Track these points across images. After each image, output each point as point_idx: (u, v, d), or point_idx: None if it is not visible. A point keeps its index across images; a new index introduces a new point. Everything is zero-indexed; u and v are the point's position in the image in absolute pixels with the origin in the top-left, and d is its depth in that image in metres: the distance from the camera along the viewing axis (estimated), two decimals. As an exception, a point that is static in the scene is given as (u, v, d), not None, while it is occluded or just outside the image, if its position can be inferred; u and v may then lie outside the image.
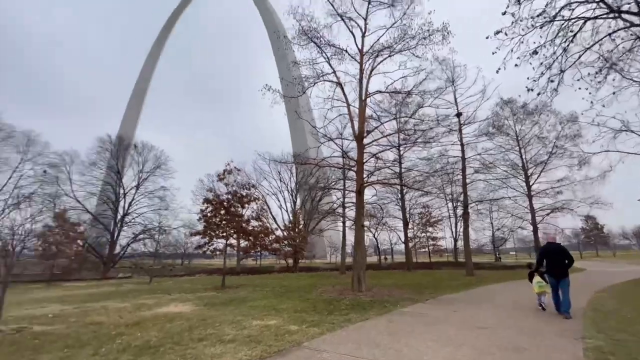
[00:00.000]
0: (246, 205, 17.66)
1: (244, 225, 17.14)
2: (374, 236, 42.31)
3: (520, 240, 48.17)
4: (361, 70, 14.00)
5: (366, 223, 38.26)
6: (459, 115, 22.37)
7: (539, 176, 29.23)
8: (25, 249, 35.32)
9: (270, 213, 39.65)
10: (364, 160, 13.22)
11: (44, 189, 31.37)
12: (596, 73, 11.99)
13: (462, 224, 21.30)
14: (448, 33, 14.02)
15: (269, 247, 33.02)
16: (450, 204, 36.32)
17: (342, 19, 14.62)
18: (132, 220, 37.78)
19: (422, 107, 12.79)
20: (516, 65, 11.01)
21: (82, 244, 34.98)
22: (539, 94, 11.99)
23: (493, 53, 11.32)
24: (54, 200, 31.40)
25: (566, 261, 7.40)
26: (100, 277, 32.18)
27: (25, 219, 25.30)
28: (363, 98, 13.71)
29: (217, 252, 17.24)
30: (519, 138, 29.82)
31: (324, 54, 14.62)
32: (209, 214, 16.73)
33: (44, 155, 30.35)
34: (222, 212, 17.00)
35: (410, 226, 37.39)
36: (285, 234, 34.63)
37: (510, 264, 32.81)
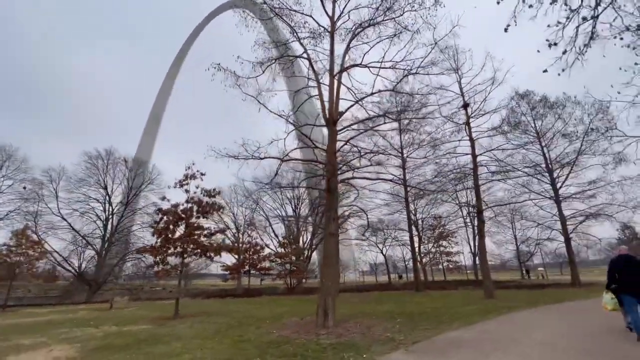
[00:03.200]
0: (209, 215, 14.80)
1: (203, 239, 14.21)
2: (382, 252, 38.41)
3: (550, 254, 42.84)
4: (332, 41, 11.25)
5: (366, 234, 34.56)
6: (466, 106, 19.16)
7: (566, 178, 25.22)
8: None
9: (273, 230, 36.79)
10: (337, 149, 10.20)
11: (26, 206, 29.77)
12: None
13: (477, 233, 17.57)
14: (440, -9, 11.23)
15: (257, 267, 30.13)
16: (465, 212, 32.28)
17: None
18: (121, 239, 35.63)
19: (410, 74, 9.74)
20: (531, 18, 7.81)
21: (77, 266, 33.24)
22: (564, 52, 8.80)
23: (498, 2, 8.30)
24: (35, 218, 29.59)
25: None
26: (85, 301, 29.77)
27: None
28: (334, 73, 10.88)
29: (172, 272, 14.27)
30: (540, 135, 26.12)
31: (295, 34, 12.07)
32: (161, 227, 13.93)
33: (21, 170, 28.78)
34: (180, 223, 14.21)
35: (424, 240, 33.46)
36: (281, 251, 31.43)
37: (541, 283, 28.18)
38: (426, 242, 33.80)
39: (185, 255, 13.67)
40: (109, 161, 35.21)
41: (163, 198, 14.41)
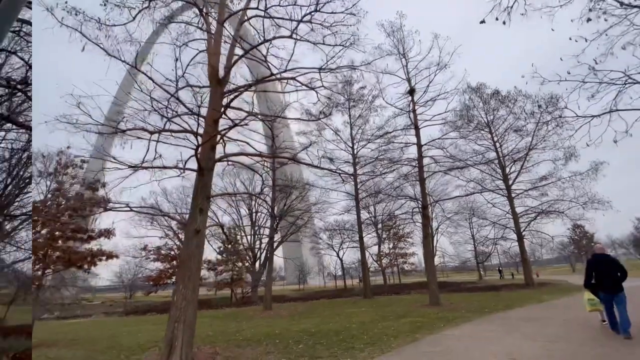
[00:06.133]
0: (85, 213, 11.55)
1: (75, 243, 10.98)
2: (338, 255, 36.16)
3: (506, 253, 42.83)
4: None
5: (323, 237, 32.06)
6: (412, 92, 17.38)
7: (518, 174, 24.39)
8: None
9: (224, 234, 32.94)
10: (220, 115, 7.56)
11: None
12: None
13: (422, 231, 15.62)
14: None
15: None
16: (412, 207, 30.79)
17: None
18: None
19: (310, 14, 7.33)
20: None
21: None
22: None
23: None
24: None
25: (619, 274, 6.23)
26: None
27: None
28: (222, 19, 8.32)
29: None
30: (493, 130, 25.23)
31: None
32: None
33: None
34: (47, 224, 10.88)
35: (378, 242, 31.63)
36: (221, 257, 28.06)
37: (494, 285, 27.14)
38: (384, 244, 32.04)
39: (40, 265, 10.33)
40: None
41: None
